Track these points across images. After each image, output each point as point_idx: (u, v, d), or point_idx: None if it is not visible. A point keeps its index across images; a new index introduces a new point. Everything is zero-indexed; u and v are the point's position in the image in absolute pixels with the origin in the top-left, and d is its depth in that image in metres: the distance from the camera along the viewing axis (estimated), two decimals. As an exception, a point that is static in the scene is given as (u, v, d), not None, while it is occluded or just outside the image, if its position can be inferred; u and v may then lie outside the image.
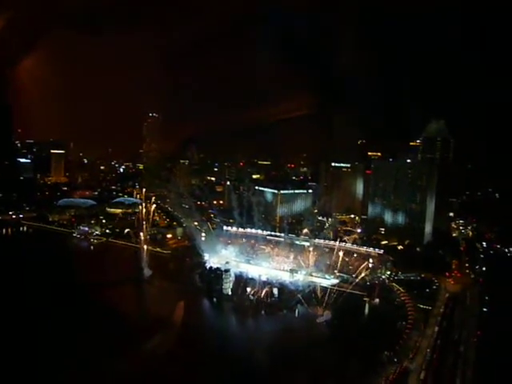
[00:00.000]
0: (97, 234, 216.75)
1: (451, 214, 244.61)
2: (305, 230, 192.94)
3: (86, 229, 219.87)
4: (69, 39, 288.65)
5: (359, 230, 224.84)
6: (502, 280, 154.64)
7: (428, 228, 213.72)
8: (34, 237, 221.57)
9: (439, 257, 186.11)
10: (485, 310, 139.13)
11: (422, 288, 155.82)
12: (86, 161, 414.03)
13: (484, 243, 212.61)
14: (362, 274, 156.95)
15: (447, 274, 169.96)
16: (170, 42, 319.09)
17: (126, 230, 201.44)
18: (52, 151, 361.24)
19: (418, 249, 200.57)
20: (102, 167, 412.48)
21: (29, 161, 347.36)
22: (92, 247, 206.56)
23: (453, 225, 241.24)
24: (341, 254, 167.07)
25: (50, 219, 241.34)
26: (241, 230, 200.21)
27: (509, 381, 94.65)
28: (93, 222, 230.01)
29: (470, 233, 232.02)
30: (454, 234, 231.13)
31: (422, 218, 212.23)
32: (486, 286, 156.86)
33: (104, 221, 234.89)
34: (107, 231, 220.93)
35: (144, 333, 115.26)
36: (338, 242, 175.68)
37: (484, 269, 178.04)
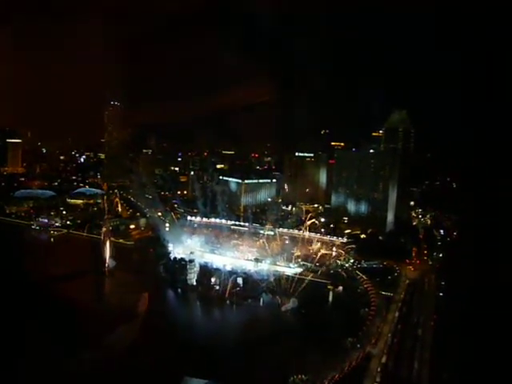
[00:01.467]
0: (57, 226, 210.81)
1: (412, 203, 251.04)
2: (269, 221, 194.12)
3: (46, 220, 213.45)
4: (23, 25, 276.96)
5: (323, 220, 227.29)
6: (457, 266, 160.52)
7: (390, 217, 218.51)
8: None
9: (400, 245, 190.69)
10: (441, 294, 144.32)
11: (384, 275, 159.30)
12: (44, 150, 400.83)
13: (442, 231, 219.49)
14: (326, 263, 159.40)
15: (407, 261, 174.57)
16: (129, 30, 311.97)
17: (87, 225, 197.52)
18: (8, 140, 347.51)
19: (380, 237, 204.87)
20: (61, 157, 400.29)
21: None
22: (52, 239, 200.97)
23: (413, 213, 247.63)
24: (305, 243, 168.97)
25: (7, 211, 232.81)
26: (205, 219, 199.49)
27: (462, 360, 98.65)
28: (52, 213, 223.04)
29: (429, 221, 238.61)
30: (414, 223, 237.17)
31: (384, 207, 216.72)
32: (443, 272, 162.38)
33: (64, 212, 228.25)
34: (68, 223, 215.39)
35: (107, 325, 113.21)
36: (301, 232, 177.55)
37: (441, 255, 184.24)
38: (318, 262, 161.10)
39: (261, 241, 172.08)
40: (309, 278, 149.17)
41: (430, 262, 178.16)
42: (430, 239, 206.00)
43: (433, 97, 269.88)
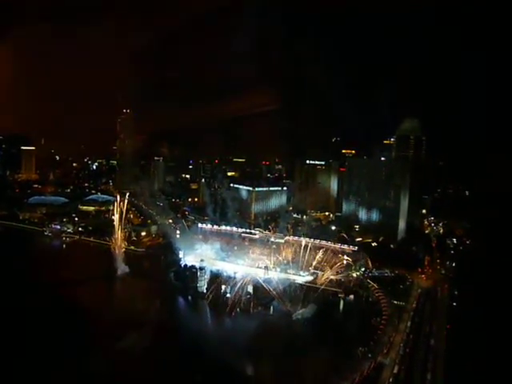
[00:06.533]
0: (69, 232, 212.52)
1: (424, 211, 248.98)
2: (279, 229, 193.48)
3: (58, 227, 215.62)
4: (37, 31, 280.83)
5: (333, 228, 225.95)
6: (471, 275, 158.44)
7: (402, 225, 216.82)
8: (3, 235, 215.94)
9: (412, 253, 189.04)
10: (454, 304, 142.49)
11: (396, 284, 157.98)
12: (57, 157, 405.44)
13: (454, 239, 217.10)
14: (337, 271, 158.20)
15: (420, 270, 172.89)
16: (141, 37, 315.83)
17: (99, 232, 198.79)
18: (22, 147, 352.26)
19: (391, 245, 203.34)
20: (74, 164, 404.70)
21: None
22: (64, 245, 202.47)
23: (425, 222, 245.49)
24: (316, 250, 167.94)
25: (21, 217, 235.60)
26: (216, 227, 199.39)
27: (475, 371, 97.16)
28: (65, 219, 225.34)
29: (442, 229, 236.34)
30: (426, 231, 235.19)
31: (395, 215, 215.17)
32: (456, 281, 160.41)
33: (77, 219, 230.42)
34: (80, 229, 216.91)
35: (117, 332, 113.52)
36: (312, 239, 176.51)
37: (454, 264, 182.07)
38: (328, 271, 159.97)
39: (271, 249, 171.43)
40: (319, 286, 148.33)
41: (443, 271, 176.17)
42: (443, 248, 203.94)
43: (445, 104, 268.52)
